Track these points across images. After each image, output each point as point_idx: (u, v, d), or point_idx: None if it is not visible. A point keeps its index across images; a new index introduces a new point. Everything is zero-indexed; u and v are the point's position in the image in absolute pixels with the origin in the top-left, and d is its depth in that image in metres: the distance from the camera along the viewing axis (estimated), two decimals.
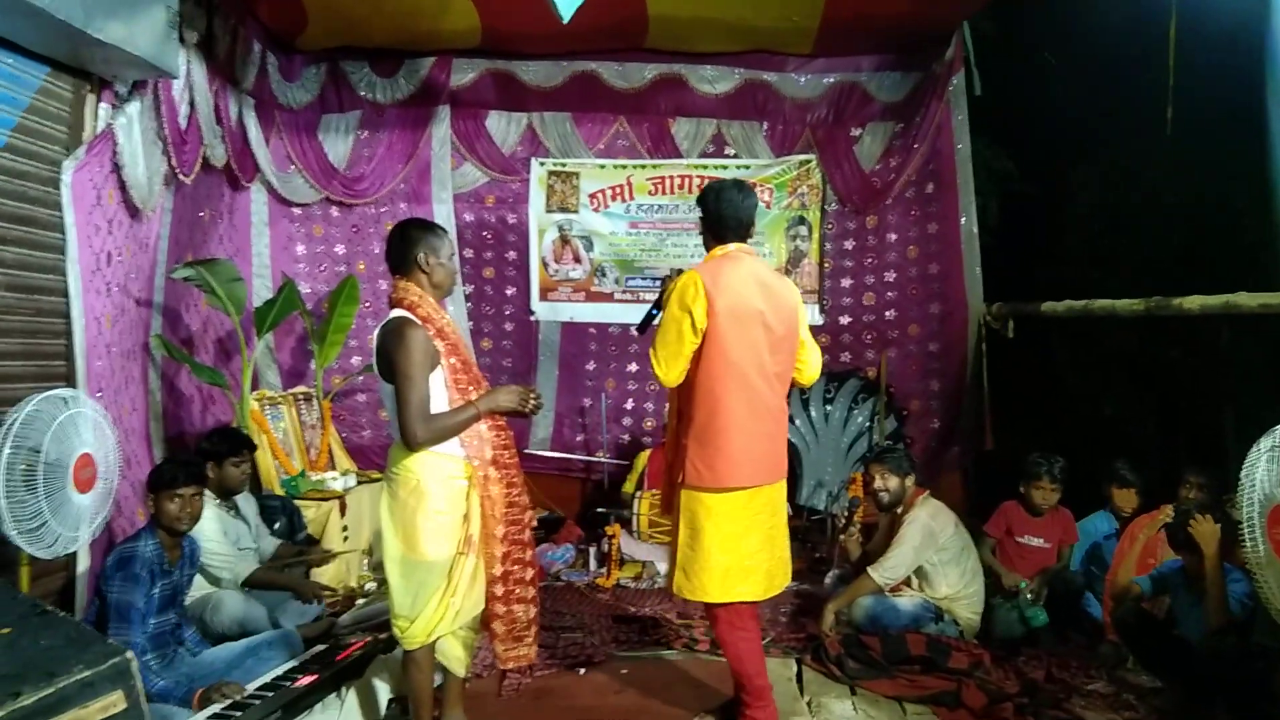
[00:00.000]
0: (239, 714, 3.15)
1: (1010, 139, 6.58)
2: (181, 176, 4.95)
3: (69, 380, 4.06)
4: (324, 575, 4.81)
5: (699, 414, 3.28)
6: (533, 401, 3.16)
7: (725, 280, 3.24)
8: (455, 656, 3.27)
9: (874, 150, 6.67)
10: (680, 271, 3.37)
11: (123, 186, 4.41)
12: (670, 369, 3.25)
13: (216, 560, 4.05)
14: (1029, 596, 4.46)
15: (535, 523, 3.84)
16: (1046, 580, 4.61)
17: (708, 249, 3.44)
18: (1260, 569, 2.81)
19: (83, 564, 3.88)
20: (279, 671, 3.54)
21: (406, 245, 3.16)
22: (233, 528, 4.22)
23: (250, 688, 3.41)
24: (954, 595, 4.44)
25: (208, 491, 4.12)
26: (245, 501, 4.39)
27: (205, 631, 3.92)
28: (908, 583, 4.50)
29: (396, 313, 3.09)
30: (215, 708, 3.25)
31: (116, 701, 2.42)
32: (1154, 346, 5.21)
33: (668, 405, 3.47)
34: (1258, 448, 2.82)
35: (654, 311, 3.48)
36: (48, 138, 4.05)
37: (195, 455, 4.25)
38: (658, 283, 3.47)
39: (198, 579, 3.98)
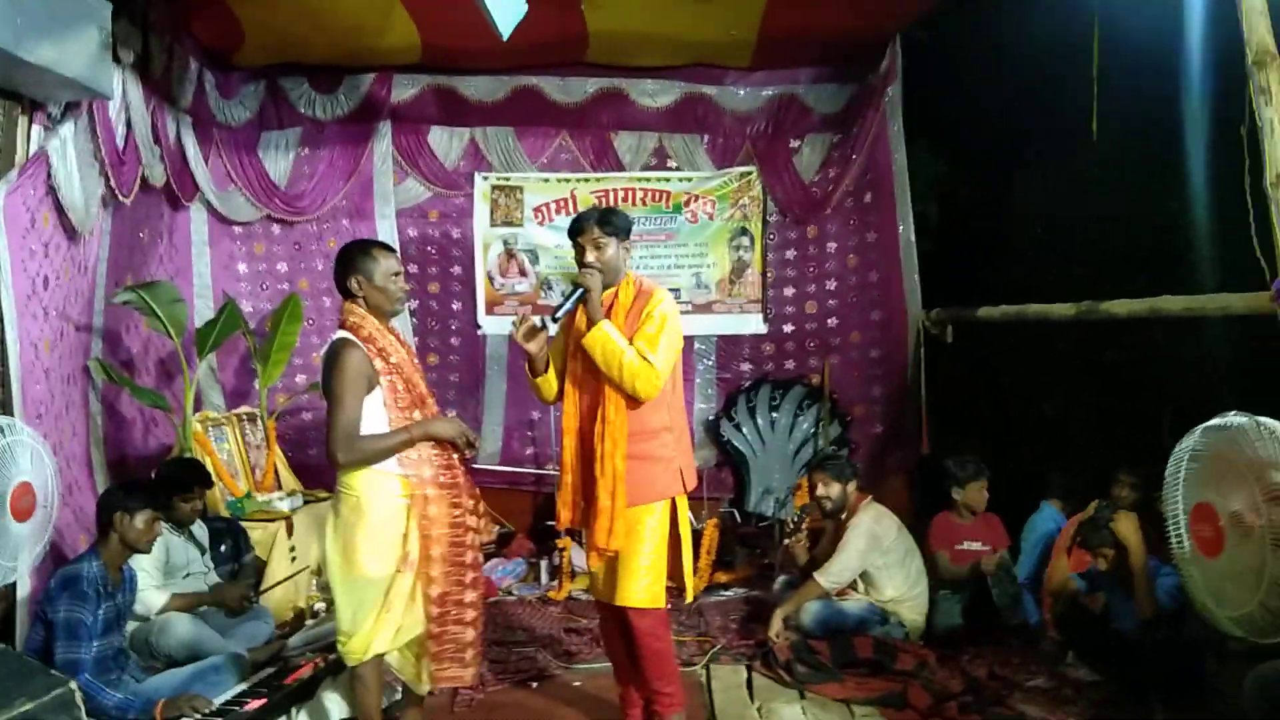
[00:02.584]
0: None
1: (948, 145, 6.71)
2: (120, 197, 4.89)
3: (4, 407, 3.99)
4: (272, 596, 4.77)
5: (678, 424, 3.47)
6: (470, 445, 3.23)
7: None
8: (412, 674, 3.28)
9: (813, 161, 6.78)
10: (589, 273, 3.38)
11: (59, 209, 4.35)
12: (662, 382, 3.33)
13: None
14: (994, 567, 4.56)
15: (493, 538, 3.86)
16: (1003, 559, 4.71)
17: (619, 268, 3.46)
18: (1185, 564, 2.91)
19: (23, 591, 3.81)
20: (228, 695, 3.51)
21: (340, 270, 3.21)
22: (181, 553, 4.19)
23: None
24: (899, 598, 4.54)
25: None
26: (198, 528, 4.35)
27: (151, 654, 3.87)
28: (854, 586, 4.58)
29: (338, 334, 3.12)
30: None
31: None
32: (1090, 348, 5.34)
33: (604, 431, 3.34)
34: (1180, 447, 2.93)
35: (569, 305, 3.42)
36: None
37: (153, 481, 4.21)
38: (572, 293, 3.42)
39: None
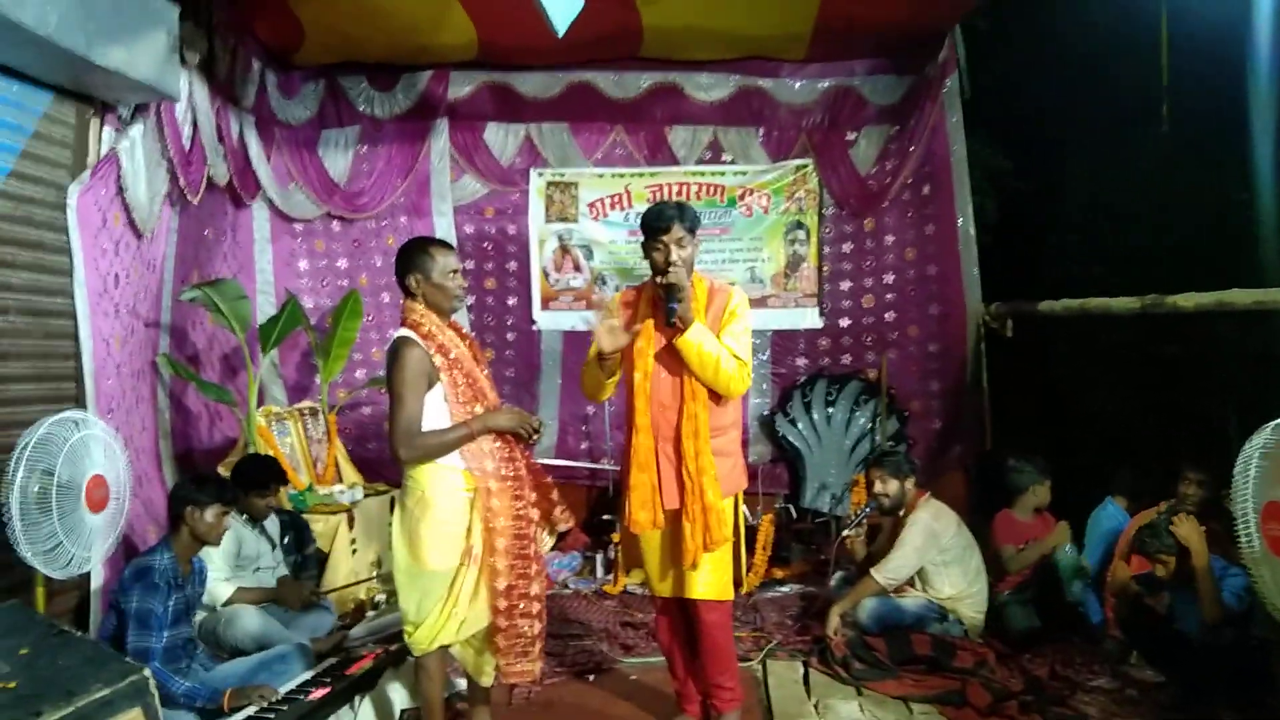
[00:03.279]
0: None
1: (1007, 137, 6.62)
2: (189, 196, 5.01)
3: (79, 401, 4.12)
4: (336, 581, 4.87)
5: (739, 419, 3.59)
6: (533, 431, 3.23)
7: None
8: (475, 666, 3.33)
9: (870, 154, 6.71)
10: (676, 285, 3.32)
11: (127, 208, 4.47)
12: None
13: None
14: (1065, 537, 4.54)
15: (572, 525, 3.87)
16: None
17: (692, 267, 3.44)
18: (1255, 565, 2.85)
19: (96, 581, 3.93)
20: (292, 685, 3.58)
21: (400, 268, 3.25)
22: (253, 545, 4.29)
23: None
24: (958, 595, 4.49)
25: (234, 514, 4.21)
26: (270, 522, 4.45)
27: (219, 645, 3.97)
28: (911, 583, 4.54)
29: (400, 332, 3.16)
30: (251, 709, 3.31)
31: (135, 718, 2.48)
32: (1153, 342, 5.24)
33: (692, 428, 3.35)
34: (1250, 445, 2.86)
35: (674, 306, 3.35)
36: (52, 163, 4.11)
37: (230, 478, 4.31)
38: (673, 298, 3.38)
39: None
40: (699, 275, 3.48)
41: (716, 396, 3.36)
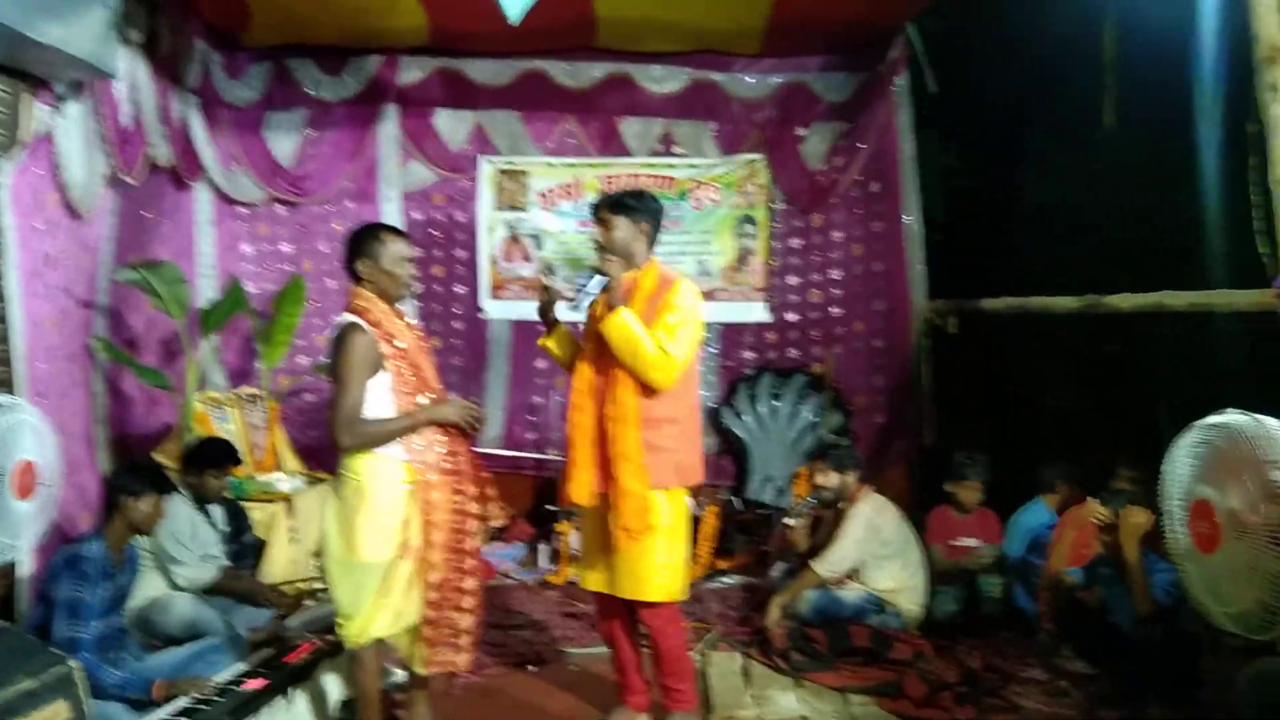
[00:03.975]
0: (188, 719, 3.14)
1: (956, 136, 6.69)
2: (126, 177, 4.90)
3: (8, 385, 4.01)
4: (271, 577, 4.80)
5: (683, 416, 3.43)
6: (476, 425, 3.23)
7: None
8: (413, 656, 3.29)
9: (820, 150, 6.75)
10: (608, 259, 3.39)
11: (63, 188, 4.36)
12: (681, 372, 3.33)
13: (177, 568, 4.08)
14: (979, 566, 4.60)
15: (506, 520, 3.86)
16: (993, 551, 4.75)
17: (634, 252, 3.44)
18: (1182, 561, 2.92)
19: (24, 570, 3.84)
20: (227, 675, 3.53)
21: (349, 254, 3.20)
22: (204, 533, 4.22)
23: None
24: (897, 588, 4.55)
25: (186, 495, 4.22)
26: (216, 512, 4.39)
27: (151, 633, 3.91)
28: (851, 576, 4.59)
29: (345, 317, 3.12)
30: (182, 702, 3.25)
31: (60, 711, 2.44)
32: (1093, 341, 5.34)
33: (619, 414, 3.36)
34: (1178, 443, 2.93)
35: (590, 290, 3.42)
36: None
37: (182, 459, 4.33)
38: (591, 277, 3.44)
39: (148, 581, 3.97)
40: (656, 264, 3.47)
41: (648, 387, 3.33)
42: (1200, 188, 4.65)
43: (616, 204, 3.43)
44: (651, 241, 3.49)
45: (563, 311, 3.59)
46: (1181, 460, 2.91)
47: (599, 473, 3.40)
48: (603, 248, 3.43)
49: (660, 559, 3.37)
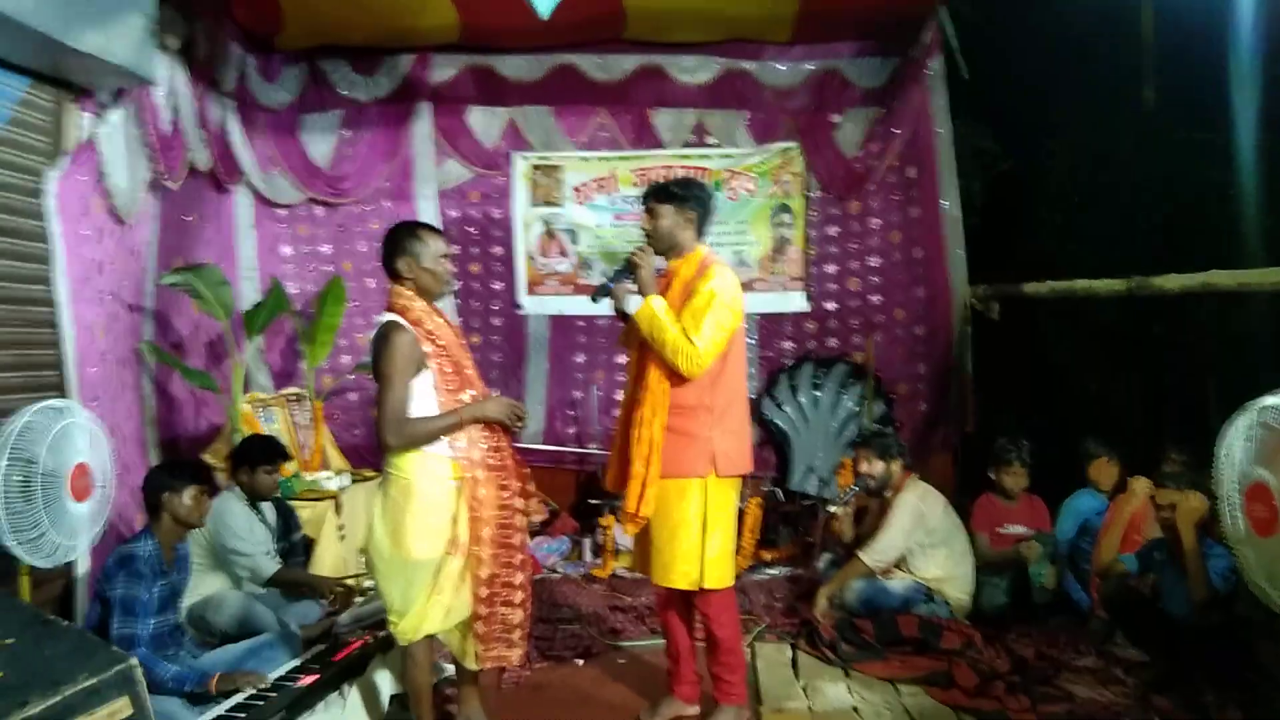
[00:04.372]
0: (243, 715, 3.19)
1: (993, 120, 6.62)
2: (168, 182, 4.97)
3: (61, 390, 4.08)
4: (323, 568, 4.86)
5: (719, 404, 3.40)
6: (519, 422, 3.24)
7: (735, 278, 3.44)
8: (462, 650, 3.32)
9: (855, 136, 6.70)
10: (640, 249, 3.45)
11: (107, 195, 4.42)
12: (709, 361, 3.31)
13: (240, 559, 4.15)
14: (1037, 554, 4.53)
15: (545, 516, 3.88)
16: (1045, 540, 4.68)
17: (680, 240, 3.45)
18: (1239, 545, 2.87)
19: (81, 569, 3.92)
20: (281, 671, 3.57)
21: (389, 253, 3.21)
22: (259, 530, 4.29)
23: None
24: (944, 576, 4.51)
25: (239, 492, 4.29)
26: (268, 510, 4.45)
27: (207, 631, 3.97)
28: (898, 565, 4.56)
29: (386, 317, 3.13)
30: (239, 696, 3.30)
31: (123, 708, 2.47)
32: (1137, 323, 5.26)
33: (645, 399, 3.39)
34: (1233, 425, 2.87)
35: (610, 284, 3.51)
36: (30, 149, 4.07)
37: (231, 459, 4.41)
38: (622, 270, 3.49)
39: (201, 579, 4.03)
40: (700, 253, 3.48)
41: (677, 375, 3.33)
42: (1240, 166, 4.58)
43: (662, 192, 3.45)
44: (700, 231, 3.49)
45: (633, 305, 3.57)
46: (1236, 443, 2.87)
47: (627, 459, 3.43)
48: (649, 236, 3.44)
49: (686, 546, 3.36)
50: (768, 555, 5.80)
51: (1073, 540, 4.73)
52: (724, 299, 3.32)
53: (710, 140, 6.84)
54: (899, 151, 6.52)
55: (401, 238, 3.21)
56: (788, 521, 6.28)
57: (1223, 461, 2.89)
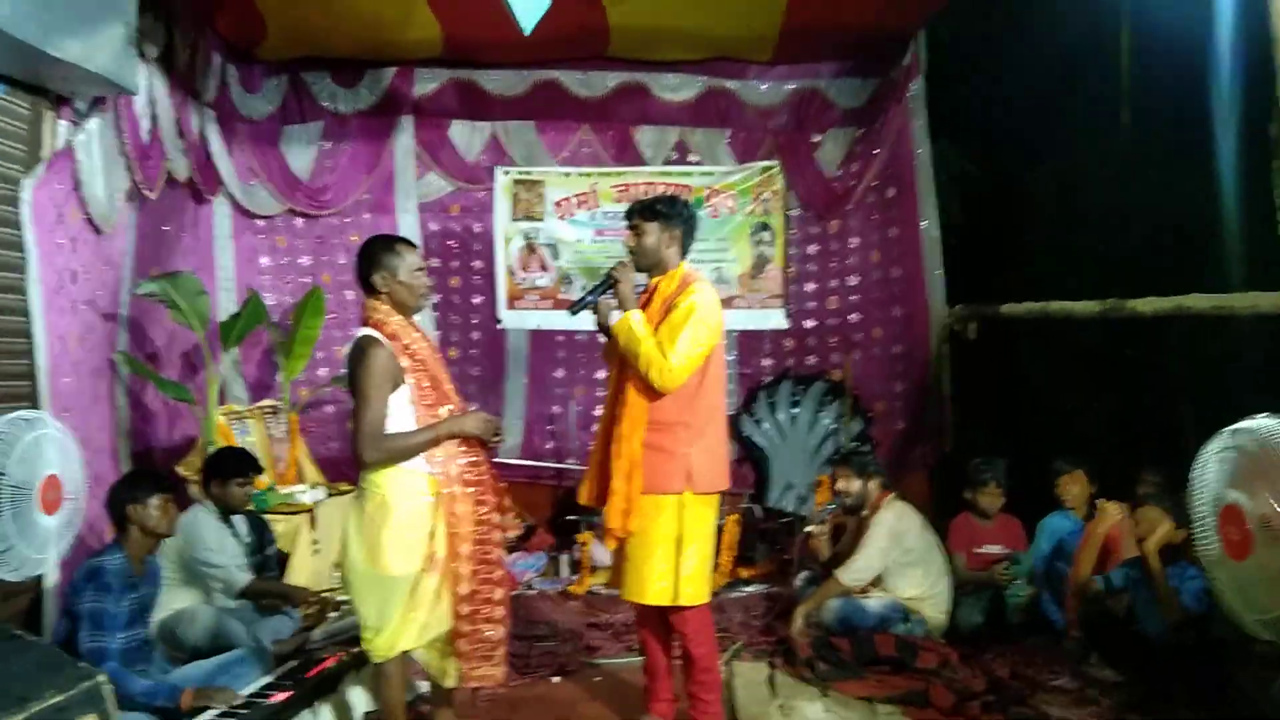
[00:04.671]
0: None
1: (972, 141, 6.68)
2: (146, 192, 4.93)
3: (32, 400, 4.03)
4: (297, 582, 4.81)
5: (697, 421, 3.39)
6: (496, 437, 3.24)
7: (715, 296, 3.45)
8: (439, 668, 3.28)
9: (835, 156, 6.75)
10: (621, 265, 3.46)
11: (84, 204, 4.38)
12: (683, 376, 3.30)
13: (214, 571, 4.10)
14: (1009, 575, 4.53)
15: (521, 531, 3.85)
16: (1021, 560, 4.69)
17: (665, 257, 3.46)
18: (1213, 567, 2.89)
19: (50, 582, 3.85)
20: (253, 688, 3.53)
21: (364, 266, 3.18)
22: (230, 544, 4.24)
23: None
24: (921, 595, 4.52)
25: (211, 506, 4.22)
26: (239, 523, 4.40)
27: (178, 646, 3.91)
28: (875, 584, 4.56)
29: (363, 331, 3.11)
30: (210, 714, 3.25)
31: None
32: (1113, 345, 5.30)
33: (624, 415, 3.38)
34: (1208, 449, 2.90)
35: (589, 299, 3.52)
36: (5, 156, 4.02)
37: (203, 472, 4.34)
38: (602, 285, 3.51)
39: (172, 594, 3.97)
40: (682, 269, 3.48)
41: (655, 391, 3.33)
42: (1220, 190, 4.62)
43: (648, 210, 3.45)
44: (683, 248, 3.50)
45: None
46: (1211, 465, 2.88)
47: (605, 474, 3.41)
48: (634, 253, 3.45)
49: (662, 563, 3.35)
50: (745, 573, 5.79)
51: (1048, 560, 4.75)
52: (702, 315, 3.32)
53: (692, 158, 6.88)
54: (879, 172, 6.57)
55: (376, 251, 3.19)
56: (765, 539, 6.27)
57: (1197, 484, 2.91)
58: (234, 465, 4.32)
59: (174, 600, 4.01)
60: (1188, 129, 4.77)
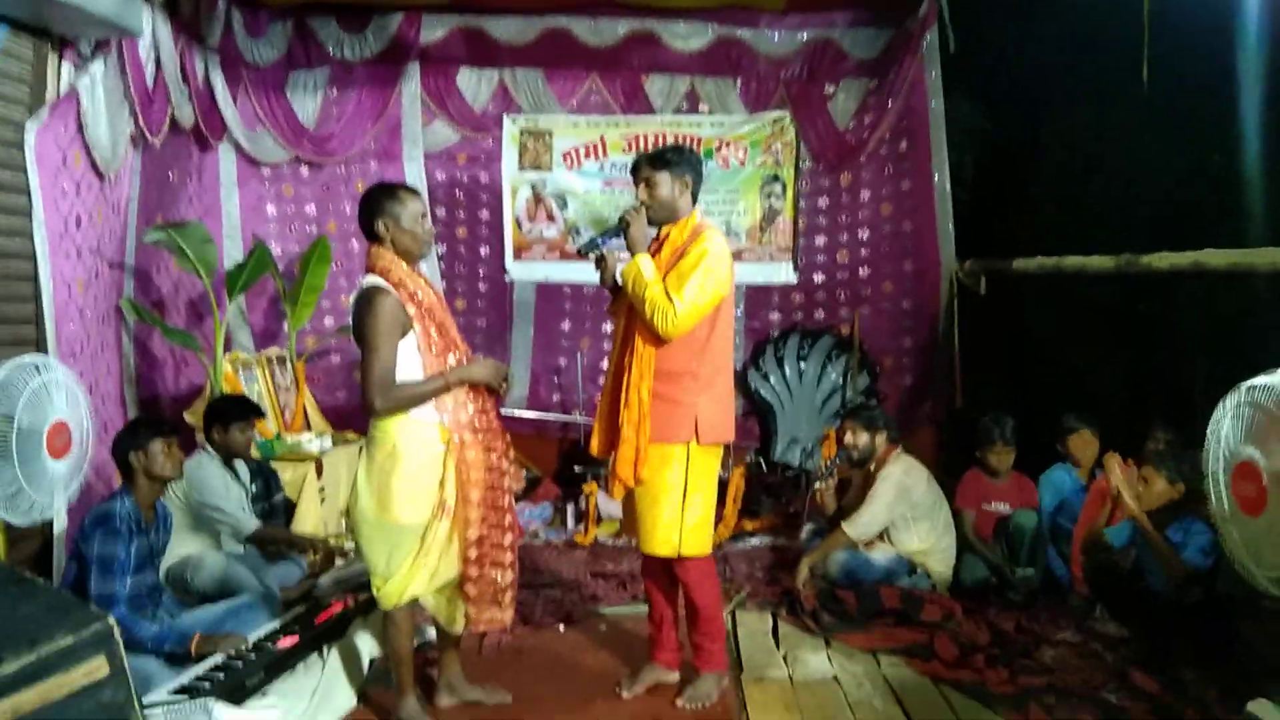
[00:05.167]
0: (222, 676, 3.16)
1: (986, 95, 6.58)
2: (150, 137, 4.89)
3: (39, 345, 4.02)
4: (304, 529, 4.83)
5: (705, 372, 3.36)
6: (505, 384, 3.22)
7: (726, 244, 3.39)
8: (447, 615, 3.30)
9: (848, 107, 6.66)
10: (634, 209, 3.40)
11: (88, 148, 4.34)
12: (689, 324, 3.25)
13: (221, 515, 4.12)
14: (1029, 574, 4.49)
15: (523, 485, 3.82)
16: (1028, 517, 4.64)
17: (679, 207, 3.41)
18: (1224, 523, 2.87)
19: (58, 527, 3.87)
20: (260, 633, 3.55)
21: (368, 213, 3.13)
22: (235, 490, 4.25)
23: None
24: (926, 549, 4.52)
25: (212, 452, 4.21)
26: (242, 469, 4.41)
27: (186, 592, 3.94)
28: (881, 537, 4.57)
29: (369, 279, 3.08)
30: (218, 658, 3.28)
31: (99, 667, 2.43)
32: (1126, 302, 5.25)
33: (632, 364, 3.34)
34: (1223, 405, 2.87)
35: (600, 240, 3.49)
36: (9, 99, 3.98)
37: (204, 418, 4.33)
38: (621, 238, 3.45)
39: (181, 540, 3.99)
40: (694, 219, 3.43)
41: (683, 343, 3.30)
42: (1239, 144, 4.55)
43: (657, 159, 3.39)
44: (694, 195, 3.45)
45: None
46: (1226, 421, 2.85)
47: (614, 425, 3.40)
48: (649, 207, 3.38)
49: (668, 514, 3.34)
50: (750, 525, 5.80)
51: (1051, 515, 4.74)
52: (712, 263, 3.26)
53: (702, 107, 6.79)
54: (892, 124, 6.48)
55: (379, 198, 3.15)
56: (770, 492, 6.28)
57: (1212, 440, 2.89)
58: (234, 410, 4.32)
59: (182, 546, 4.03)
60: (1208, 82, 4.68)
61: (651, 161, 3.39)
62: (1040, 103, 6.04)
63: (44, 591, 2.65)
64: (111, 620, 2.49)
